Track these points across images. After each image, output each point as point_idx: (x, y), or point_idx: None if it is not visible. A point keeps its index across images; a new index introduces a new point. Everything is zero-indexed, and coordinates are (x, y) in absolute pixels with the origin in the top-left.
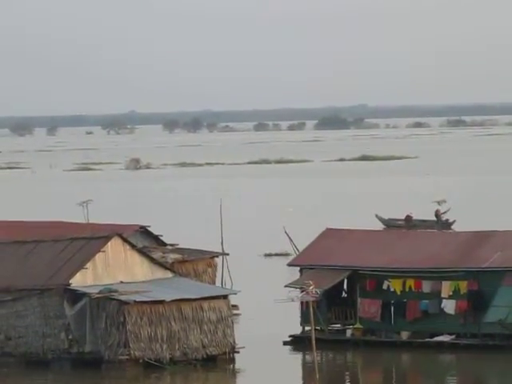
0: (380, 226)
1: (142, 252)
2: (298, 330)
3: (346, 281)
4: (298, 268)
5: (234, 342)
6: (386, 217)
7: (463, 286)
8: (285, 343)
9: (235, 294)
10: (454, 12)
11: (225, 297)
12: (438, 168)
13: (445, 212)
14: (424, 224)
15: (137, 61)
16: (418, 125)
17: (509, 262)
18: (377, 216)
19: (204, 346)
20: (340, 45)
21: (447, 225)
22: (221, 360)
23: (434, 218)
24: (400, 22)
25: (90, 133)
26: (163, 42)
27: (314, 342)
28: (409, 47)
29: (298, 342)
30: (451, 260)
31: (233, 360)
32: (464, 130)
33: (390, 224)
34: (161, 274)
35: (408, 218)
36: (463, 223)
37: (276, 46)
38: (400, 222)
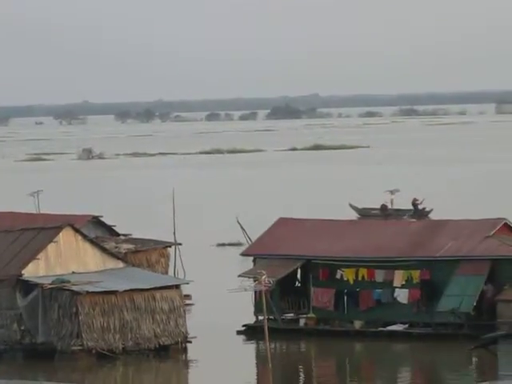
0: (354, 215)
1: (94, 242)
2: (251, 319)
3: (299, 270)
4: (252, 258)
5: (187, 331)
6: (360, 206)
7: (416, 275)
8: (238, 333)
9: (187, 283)
10: (401, 2)
11: (177, 287)
12: (390, 157)
13: (421, 201)
14: (399, 213)
15: (89, 51)
16: (370, 114)
17: (461, 251)
18: (351, 205)
19: (156, 336)
20: (291, 34)
21: (424, 214)
22: (173, 350)
23: (409, 207)
24: (350, 11)
25: (40, 123)
26: (114, 29)
27: (266, 331)
28: (360, 37)
29: (251, 332)
30: (404, 249)
31: (185, 350)
32: (416, 119)
33: (364, 213)
34: (113, 264)
35: (383, 207)
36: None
37: (225, 36)
38: (375, 211)
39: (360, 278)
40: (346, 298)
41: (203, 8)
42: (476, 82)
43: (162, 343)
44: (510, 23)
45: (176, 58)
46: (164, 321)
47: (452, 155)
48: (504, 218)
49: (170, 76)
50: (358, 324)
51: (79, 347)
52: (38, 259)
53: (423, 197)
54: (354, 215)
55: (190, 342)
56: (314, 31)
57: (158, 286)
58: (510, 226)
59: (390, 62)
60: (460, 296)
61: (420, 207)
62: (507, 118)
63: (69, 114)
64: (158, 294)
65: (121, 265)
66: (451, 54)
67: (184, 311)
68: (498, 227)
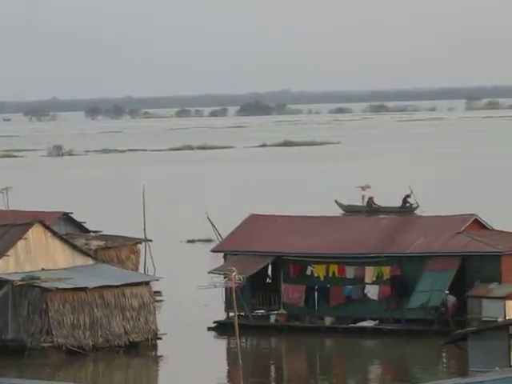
0: (339, 212)
1: (64, 239)
2: (222, 315)
3: (270, 267)
4: (222, 254)
5: (157, 328)
6: (345, 202)
7: (386, 271)
8: (209, 329)
9: (157, 280)
10: (375, 1)
11: (147, 283)
12: (361, 153)
13: (409, 196)
14: (384, 209)
15: (58, 47)
16: (341, 110)
17: (432, 247)
18: (336, 202)
19: (126, 333)
20: (261, 29)
21: (411, 209)
22: (143, 346)
23: (391, 203)
24: (322, 10)
25: (8, 120)
26: (84, 25)
27: (237, 327)
28: (331, 33)
29: (222, 328)
30: (374, 245)
31: (155, 346)
32: (386, 115)
33: (349, 209)
34: (82, 260)
35: (370, 203)
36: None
37: (194, 32)
38: (361, 208)
39: (330, 275)
40: (316, 294)
41: (171, 4)
42: (446, 79)
43: (132, 340)
44: (481, 23)
45: (145, 54)
46: (134, 317)
47: (422, 151)
48: (474, 214)
49: (140, 72)
50: (328, 320)
51: (49, 344)
52: (8, 256)
53: (412, 193)
54: (338, 211)
55: (160, 338)
56: (286, 28)
57: (128, 282)
58: (480, 222)
59: (360, 58)
60: (429, 291)
61: (409, 203)
62: (477, 115)
63: (38, 110)
64: (127, 291)
65: (90, 261)
66: (421, 51)
67: (154, 308)
68: (468, 223)
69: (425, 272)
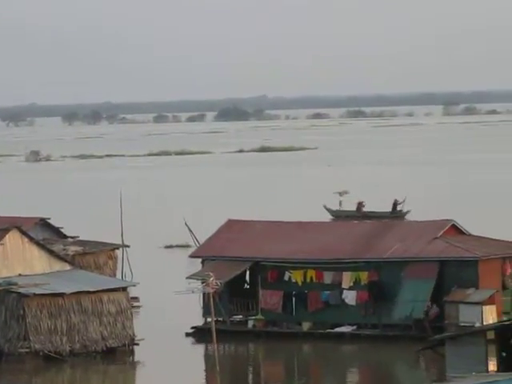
0: (328, 217)
1: (41, 245)
2: (200, 321)
3: (248, 272)
4: (200, 259)
5: (134, 334)
6: (334, 208)
7: (364, 276)
8: (187, 334)
9: (134, 285)
10: (352, 5)
11: (124, 289)
12: (338, 158)
13: (401, 202)
14: (374, 214)
15: (35, 53)
16: (318, 116)
17: (409, 252)
18: (325, 207)
19: (103, 338)
20: (237, 35)
21: (401, 215)
22: (120, 352)
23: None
24: (300, 13)
25: None
26: (60, 31)
27: (214, 333)
28: (307, 39)
29: (200, 334)
30: (352, 251)
31: (132, 352)
32: (364, 120)
33: (338, 215)
34: (59, 266)
35: (359, 208)
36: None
37: (172, 37)
38: (349, 213)
39: (308, 280)
40: (294, 299)
41: (149, 9)
42: (423, 84)
43: (109, 345)
44: (457, 29)
45: (123, 59)
46: (111, 323)
47: (400, 156)
48: (451, 220)
49: (117, 78)
50: (306, 326)
51: (26, 350)
52: None
53: (404, 198)
54: (327, 217)
55: (138, 344)
56: (261, 32)
57: (105, 288)
58: (457, 227)
59: (337, 63)
60: (411, 302)
61: (399, 208)
62: (454, 120)
63: (16, 116)
64: (105, 297)
65: (67, 267)
66: (398, 56)
67: (131, 313)
68: (446, 229)
69: (404, 280)
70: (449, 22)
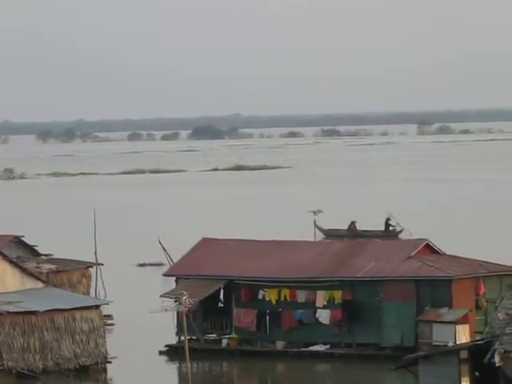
0: (319, 236)
1: (14, 262)
2: (174, 339)
3: (222, 291)
4: (174, 278)
5: (106, 352)
6: (325, 227)
7: (338, 295)
8: (161, 353)
9: (107, 304)
10: (320, 25)
11: (97, 307)
12: (312, 177)
13: (391, 219)
14: (368, 233)
15: (10, 69)
16: (292, 134)
17: (383, 271)
18: (316, 225)
19: (76, 356)
20: (212, 53)
21: (395, 234)
22: (93, 370)
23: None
24: (274, 33)
25: None
26: (37, 51)
27: (187, 352)
28: (281, 57)
29: (173, 352)
30: (325, 270)
31: (105, 370)
32: (338, 139)
33: (330, 234)
34: (32, 284)
35: (351, 227)
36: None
37: (145, 55)
38: (341, 232)
39: (282, 299)
40: (268, 318)
41: (124, 27)
42: (398, 104)
43: (81, 363)
44: (430, 50)
45: (97, 77)
46: (84, 341)
47: (374, 175)
48: (425, 239)
49: (92, 96)
50: (280, 344)
51: None
52: None
53: (392, 216)
54: (319, 236)
55: (110, 362)
56: (235, 50)
57: (78, 306)
58: (431, 246)
59: (311, 82)
60: (398, 327)
61: (392, 227)
62: (428, 139)
63: None
64: (77, 315)
65: (40, 285)
66: (373, 76)
67: (104, 331)
68: (420, 248)
69: (384, 303)
70: (422, 43)
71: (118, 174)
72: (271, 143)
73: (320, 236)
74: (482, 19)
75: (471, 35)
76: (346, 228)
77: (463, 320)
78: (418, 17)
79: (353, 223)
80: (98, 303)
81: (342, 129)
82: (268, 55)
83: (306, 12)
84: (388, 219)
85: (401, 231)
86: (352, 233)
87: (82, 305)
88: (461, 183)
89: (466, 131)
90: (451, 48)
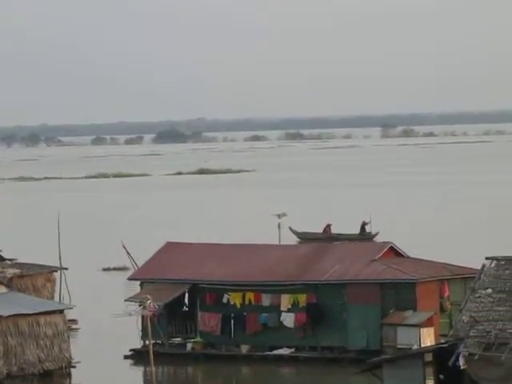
0: (294, 240)
1: None
2: (139, 343)
3: (186, 294)
4: (139, 282)
5: (70, 356)
6: (299, 230)
7: (302, 299)
8: (126, 357)
9: (71, 308)
10: (292, 34)
11: (61, 311)
12: (276, 181)
13: (366, 223)
14: (343, 236)
15: None
16: (256, 138)
17: (347, 274)
18: (290, 229)
19: (40, 361)
20: (177, 57)
21: (370, 237)
22: (57, 375)
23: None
24: (236, 39)
25: None
26: (2, 53)
27: (151, 356)
28: (246, 61)
29: (138, 356)
30: (290, 273)
31: (69, 375)
32: (302, 143)
33: (304, 237)
34: None
35: (326, 230)
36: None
37: (110, 59)
38: (316, 235)
39: (247, 302)
40: (232, 322)
41: (94, 30)
42: (361, 107)
43: (46, 368)
44: (395, 53)
45: (61, 81)
46: (48, 346)
47: (338, 179)
48: (389, 242)
49: (55, 100)
50: (244, 348)
51: None
52: None
53: (369, 219)
54: (293, 239)
55: (74, 366)
56: (201, 54)
57: (42, 311)
58: (395, 249)
59: (274, 86)
60: (364, 330)
61: (367, 230)
62: (391, 142)
63: None
64: (42, 319)
65: (4, 290)
66: (336, 79)
67: (68, 336)
68: (384, 251)
69: (349, 306)
70: (385, 47)
71: (81, 178)
72: (235, 147)
73: (294, 239)
74: (447, 26)
75: (439, 39)
76: (320, 231)
77: (428, 323)
78: (382, 22)
79: (328, 226)
80: (61, 308)
81: (305, 132)
82: (230, 60)
83: (260, 18)
84: (364, 223)
85: (376, 234)
86: (327, 236)
87: (46, 309)
88: (423, 186)
89: (430, 134)
90: (414, 53)
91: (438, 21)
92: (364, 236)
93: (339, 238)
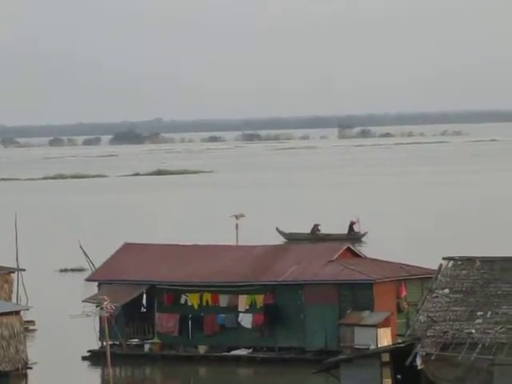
0: (281, 240)
1: None
2: (97, 345)
3: (144, 295)
4: (96, 283)
5: (27, 357)
6: (287, 230)
7: (259, 299)
8: (83, 358)
9: (27, 309)
10: (246, 33)
11: (17, 313)
12: (234, 182)
13: (354, 223)
14: (331, 237)
15: None
16: (214, 139)
17: (304, 275)
18: (277, 229)
19: None
20: (133, 58)
21: (358, 237)
22: (14, 376)
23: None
24: (195, 39)
25: None
26: None
27: (108, 357)
28: (202, 61)
29: (96, 357)
30: (247, 274)
31: (26, 376)
32: (259, 143)
33: (291, 237)
34: None
35: (314, 231)
36: (267, 235)
37: (69, 59)
38: (303, 236)
39: (204, 303)
40: (190, 322)
41: (46, 30)
42: (318, 107)
43: (2, 369)
44: (352, 51)
45: (17, 82)
46: (4, 347)
47: (295, 179)
48: (346, 243)
49: (10, 102)
50: (202, 349)
51: None
52: None
53: (357, 218)
54: (280, 240)
55: (31, 368)
56: (158, 57)
57: None
58: (352, 250)
59: (232, 87)
60: (321, 331)
61: (356, 230)
62: (349, 143)
63: None
64: None
65: None
66: (292, 80)
67: (24, 337)
68: (341, 251)
69: (306, 306)
70: (345, 49)
71: (39, 179)
72: (192, 148)
73: (281, 240)
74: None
75: (394, 42)
76: (307, 232)
77: (385, 323)
78: (342, 23)
79: (316, 226)
80: (18, 309)
81: (262, 133)
82: (189, 60)
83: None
84: (352, 222)
85: (364, 234)
86: (314, 236)
87: (2, 311)
88: (380, 187)
89: (387, 134)
90: (375, 54)
91: (412, 22)
92: (352, 236)
93: (326, 238)
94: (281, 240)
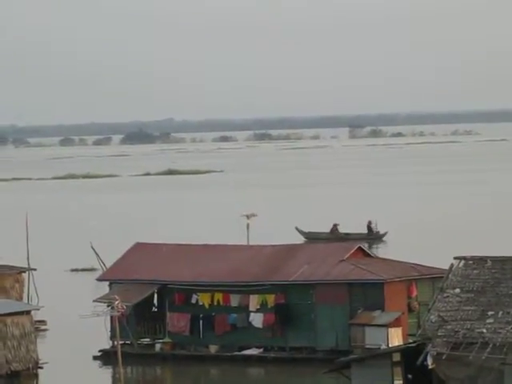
0: (300, 239)
1: None
2: (108, 344)
3: (155, 295)
4: (107, 283)
5: (38, 357)
6: (306, 230)
7: (270, 299)
8: (95, 358)
9: (38, 309)
10: (258, 33)
11: (28, 312)
12: (245, 181)
13: (374, 223)
14: (351, 236)
15: None
16: (225, 139)
17: (316, 275)
18: (297, 229)
19: (8, 362)
20: (144, 58)
21: (379, 236)
22: (24, 376)
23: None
24: (194, 36)
25: None
26: None
27: (119, 356)
28: (211, 63)
29: (107, 357)
30: (259, 274)
31: (36, 375)
32: (270, 143)
33: (311, 237)
34: None
35: (333, 230)
36: (278, 235)
37: (80, 60)
38: (323, 235)
39: (215, 303)
40: (201, 322)
41: (47, 29)
42: (329, 107)
43: (13, 369)
44: (362, 55)
45: (28, 82)
46: (15, 346)
47: (309, 179)
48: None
49: (23, 101)
50: (213, 348)
51: None
52: None
53: (376, 218)
54: (300, 239)
55: (42, 367)
56: (169, 57)
57: (9, 311)
58: (363, 249)
59: (241, 86)
60: (332, 330)
61: (374, 230)
62: (359, 143)
63: None
64: (9, 320)
65: None
66: (304, 79)
67: (35, 337)
68: (352, 251)
69: (317, 306)
70: (352, 48)
71: (50, 179)
72: (203, 147)
73: (301, 239)
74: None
75: (405, 41)
76: (327, 231)
77: (396, 323)
78: (352, 25)
79: (335, 226)
80: (28, 308)
81: (273, 133)
82: (199, 61)
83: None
84: (370, 222)
85: (385, 234)
86: (334, 235)
87: (13, 310)
88: (394, 187)
89: (398, 134)
90: (379, 53)
91: (412, 22)
92: (372, 236)
93: (346, 237)
94: (300, 239)
